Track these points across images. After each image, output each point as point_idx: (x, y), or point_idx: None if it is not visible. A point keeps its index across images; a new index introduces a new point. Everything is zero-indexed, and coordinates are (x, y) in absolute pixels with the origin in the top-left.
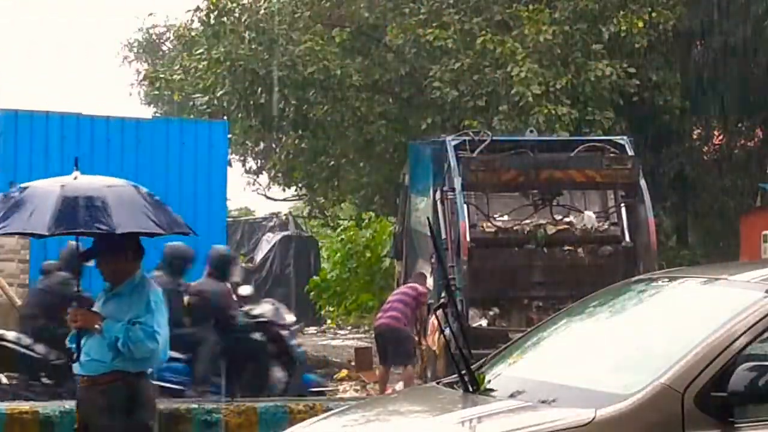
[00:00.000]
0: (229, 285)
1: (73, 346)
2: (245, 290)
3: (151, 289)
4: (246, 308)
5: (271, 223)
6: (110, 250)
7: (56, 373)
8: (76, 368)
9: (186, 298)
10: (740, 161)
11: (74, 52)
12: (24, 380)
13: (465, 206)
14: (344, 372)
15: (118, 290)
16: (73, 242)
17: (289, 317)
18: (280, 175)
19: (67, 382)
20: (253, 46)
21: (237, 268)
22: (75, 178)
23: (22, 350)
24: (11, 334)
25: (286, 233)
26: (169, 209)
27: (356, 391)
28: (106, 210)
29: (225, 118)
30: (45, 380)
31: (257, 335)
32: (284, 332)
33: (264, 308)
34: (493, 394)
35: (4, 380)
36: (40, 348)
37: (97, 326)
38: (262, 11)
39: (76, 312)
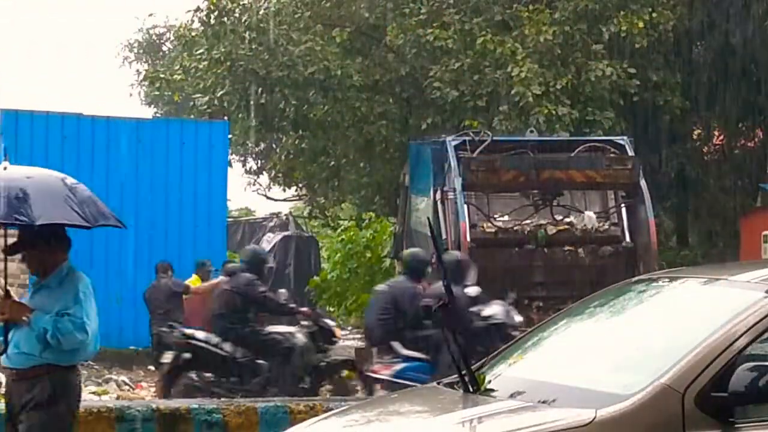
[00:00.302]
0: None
1: (0, 338)
2: (473, 291)
3: (80, 280)
4: (476, 309)
5: (272, 224)
6: (34, 241)
7: (243, 371)
8: (4, 361)
9: (426, 301)
10: (740, 161)
11: (74, 52)
12: (213, 378)
13: (465, 206)
14: (345, 373)
15: (46, 282)
16: (254, 246)
17: (518, 318)
18: (280, 175)
19: (252, 380)
20: (254, 47)
21: (472, 272)
22: (5, 168)
23: (212, 349)
24: (201, 334)
25: (286, 233)
26: (98, 201)
27: (357, 391)
28: (27, 201)
29: (225, 118)
30: (232, 378)
31: (490, 336)
32: (515, 333)
33: (495, 309)
34: (493, 394)
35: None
36: (227, 347)
37: (25, 318)
38: (263, 11)
39: (4, 304)
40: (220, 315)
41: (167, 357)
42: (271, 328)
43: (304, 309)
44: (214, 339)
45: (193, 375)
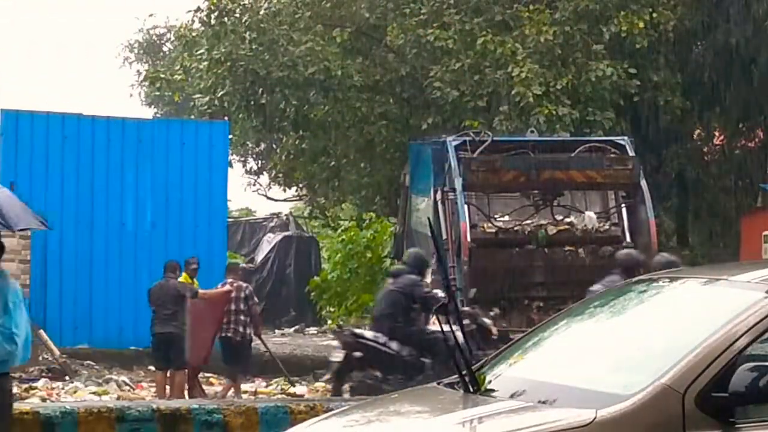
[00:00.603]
0: None
1: None
2: None
3: (9, 288)
4: None
5: (272, 224)
6: None
7: (408, 369)
8: None
9: None
10: (741, 161)
11: (74, 52)
12: (381, 376)
13: (466, 207)
14: None
15: None
16: (417, 249)
17: None
18: (280, 175)
19: (417, 377)
20: (254, 47)
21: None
22: None
23: (380, 348)
24: (369, 333)
25: (286, 234)
26: (21, 205)
27: None
28: None
29: (226, 118)
30: (399, 375)
31: None
32: None
33: None
34: (493, 394)
35: None
36: (394, 345)
37: None
38: (263, 11)
39: None
40: (386, 315)
41: (338, 356)
42: (434, 327)
43: (465, 309)
44: (382, 338)
45: (362, 373)
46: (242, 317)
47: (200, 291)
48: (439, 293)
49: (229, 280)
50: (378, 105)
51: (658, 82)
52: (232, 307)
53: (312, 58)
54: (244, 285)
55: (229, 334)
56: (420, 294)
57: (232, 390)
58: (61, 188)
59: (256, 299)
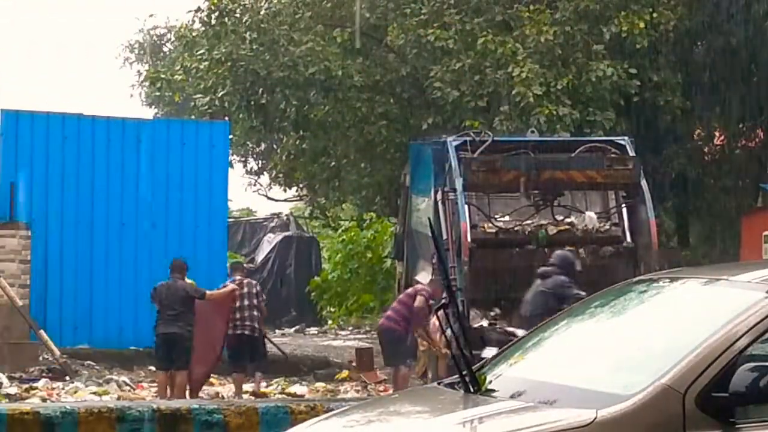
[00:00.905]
0: None
1: None
2: None
3: None
4: None
5: (273, 224)
6: None
7: None
8: None
9: None
10: (741, 162)
11: (74, 52)
12: None
13: (466, 207)
14: (345, 373)
15: None
16: (564, 251)
17: None
18: (281, 175)
19: None
20: (254, 47)
21: None
22: None
23: None
24: (520, 332)
25: (287, 234)
26: None
27: (357, 391)
28: None
29: (226, 118)
30: None
31: None
32: None
33: None
34: (494, 394)
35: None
36: None
37: None
38: (263, 12)
39: None
40: (536, 315)
41: (490, 352)
42: None
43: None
44: None
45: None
46: (255, 312)
47: (207, 292)
48: (583, 294)
49: (237, 278)
50: (378, 105)
51: (658, 82)
52: (245, 302)
53: (312, 59)
54: (253, 282)
55: (246, 332)
56: (570, 295)
57: (252, 385)
58: (61, 188)
59: (264, 296)
